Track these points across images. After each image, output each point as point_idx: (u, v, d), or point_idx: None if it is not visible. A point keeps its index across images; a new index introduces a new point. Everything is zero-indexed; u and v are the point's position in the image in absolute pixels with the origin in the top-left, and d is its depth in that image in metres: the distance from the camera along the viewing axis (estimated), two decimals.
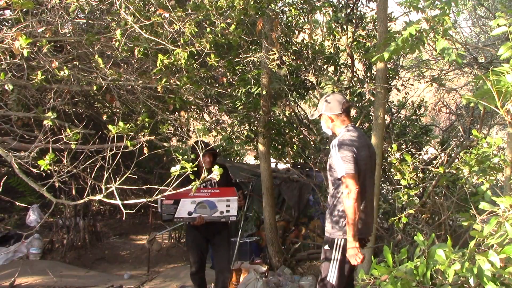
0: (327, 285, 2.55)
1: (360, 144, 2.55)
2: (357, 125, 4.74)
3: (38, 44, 2.56)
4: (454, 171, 2.84)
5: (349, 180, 2.43)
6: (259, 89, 4.52)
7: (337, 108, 2.64)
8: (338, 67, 5.00)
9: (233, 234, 5.25)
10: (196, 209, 3.42)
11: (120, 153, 2.29)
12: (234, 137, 5.72)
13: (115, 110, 5.82)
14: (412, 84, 5.20)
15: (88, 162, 2.36)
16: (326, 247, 2.59)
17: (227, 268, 3.64)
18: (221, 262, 3.66)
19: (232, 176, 3.78)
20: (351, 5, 4.58)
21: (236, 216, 3.44)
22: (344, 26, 4.58)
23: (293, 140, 5.46)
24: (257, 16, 3.47)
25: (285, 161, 6.12)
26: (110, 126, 2.31)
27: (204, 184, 3.61)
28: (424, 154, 5.03)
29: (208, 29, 3.01)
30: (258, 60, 4.54)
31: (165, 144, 3.20)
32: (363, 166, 2.52)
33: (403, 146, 4.64)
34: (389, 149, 3.27)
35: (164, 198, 3.25)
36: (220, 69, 4.73)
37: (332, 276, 2.55)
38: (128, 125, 2.39)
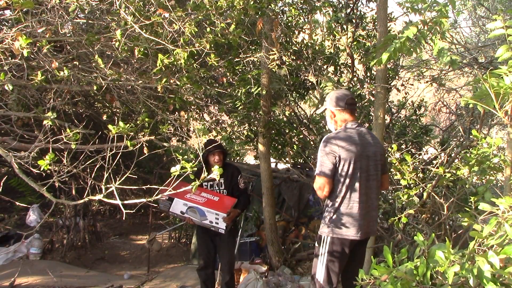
0: (316, 284, 2.55)
1: (351, 142, 2.45)
2: None
3: (38, 44, 2.56)
4: (454, 171, 2.83)
5: (316, 181, 2.51)
6: (259, 89, 4.52)
7: (339, 103, 2.58)
8: (338, 67, 5.00)
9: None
10: (187, 211, 3.46)
11: (120, 153, 2.29)
12: (234, 137, 5.72)
13: (115, 110, 5.83)
14: (412, 84, 5.19)
15: (88, 162, 2.36)
16: (316, 244, 2.61)
17: (226, 270, 3.65)
18: (222, 264, 3.69)
19: (241, 181, 3.68)
20: (351, 5, 4.58)
21: (225, 230, 3.40)
22: (344, 26, 4.57)
23: (293, 140, 5.46)
24: (257, 16, 3.47)
25: (285, 161, 6.12)
26: (110, 126, 2.31)
27: (211, 184, 3.63)
28: (424, 154, 5.02)
29: (208, 29, 3.01)
30: (258, 60, 4.54)
31: (165, 144, 3.20)
32: (350, 166, 2.43)
33: (403, 146, 4.63)
34: (389, 149, 3.27)
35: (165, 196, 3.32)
36: (220, 69, 4.73)
37: (319, 273, 2.53)
38: (128, 125, 2.39)
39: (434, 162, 4.47)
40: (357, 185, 2.46)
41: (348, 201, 2.47)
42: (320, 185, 2.50)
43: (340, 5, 4.64)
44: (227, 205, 3.45)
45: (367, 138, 2.56)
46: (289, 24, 4.65)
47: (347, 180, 2.45)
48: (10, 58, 2.42)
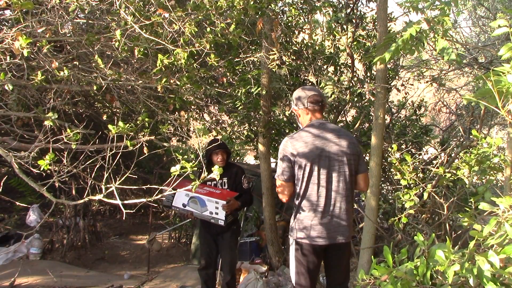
0: (290, 284, 2.54)
1: (307, 143, 2.34)
2: (356, 125, 4.76)
3: (38, 44, 2.56)
4: (454, 171, 2.83)
5: (276, 184, 2.45)
6: (259, 89, 4.52)
7: (302, 102, 2.49)
8: (338, 67, 5.00)
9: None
10: (189, 203, 3.51)
11: (120, 153, 2.29)
12: (234, 137, 5.72)
13: (115, 110, 5.83)
14: (412, 84, 5.19)
15: (88, 162, 2.36)
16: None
17: (228, 270, 3.64)
18: (224, 264, 3.69)
19: (245, 181, 3.66)
20: (351, 5, 4.57)
21: (225, 221, 3.38)
22: (344, 26, 4.58)
23: None
24: (257, 16, 3.47)
25: None
26: (110, 126, 2.31)
27: (214, 183, 3.64)
28: (424, 154, 5.03)
29: (208, 29, 3.01)
30: (258, 60, 4.54)
31: (165, 144, 3.20)
32: (306, 167, 2.31)
33: (403, 146, 4.64)
34: (389, 149, 3.27)
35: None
36: (220, 69, 4.73)
37: (292, 275, 2.46)
38: (128, 125, 2.39)
39: (434, 162, 4.48)
40: (315, 187, 2.32)
41: (307, 204, 2.35)
42: (279, 189, 2.42)
43: (340, 5, 4.64)
44: (227, 195, 3.49)
45: (331, 137, 2.39)
46: (289, 24, 4.65)
47: (304, 183, 2.33)
48: (10, 58, 2.42)
